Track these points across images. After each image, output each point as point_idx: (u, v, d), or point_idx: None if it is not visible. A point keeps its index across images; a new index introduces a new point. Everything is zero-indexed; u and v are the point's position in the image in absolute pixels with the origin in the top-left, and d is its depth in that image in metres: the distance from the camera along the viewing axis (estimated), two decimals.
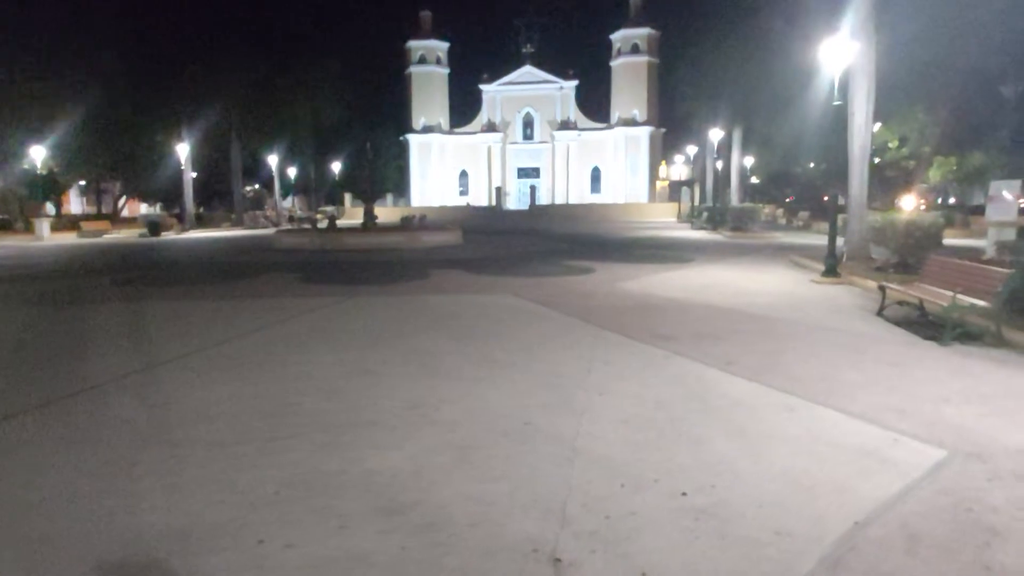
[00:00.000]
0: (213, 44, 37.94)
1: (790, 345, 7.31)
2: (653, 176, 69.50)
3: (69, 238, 31.73)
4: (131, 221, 42.20)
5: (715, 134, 36.85)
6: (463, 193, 72.63)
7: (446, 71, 72.36)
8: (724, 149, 38.78)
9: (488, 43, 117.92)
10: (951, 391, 5.50)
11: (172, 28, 37.59)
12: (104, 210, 48.44)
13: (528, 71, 70.72)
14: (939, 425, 4.66)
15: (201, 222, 41.21)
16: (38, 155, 33.22)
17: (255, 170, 51.30)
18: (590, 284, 12.63)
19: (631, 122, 68.22)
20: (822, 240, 16.98)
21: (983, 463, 4.00)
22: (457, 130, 73.14)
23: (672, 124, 61.64)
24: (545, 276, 13.96)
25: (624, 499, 3.56)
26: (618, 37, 68.44)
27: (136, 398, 5.50)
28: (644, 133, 68.20)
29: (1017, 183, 14.41)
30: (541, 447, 4.31)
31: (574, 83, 70.43)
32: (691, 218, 42.55)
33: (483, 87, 72.00)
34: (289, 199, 60.64)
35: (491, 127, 71.96)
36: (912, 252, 12.69)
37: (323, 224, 29.83)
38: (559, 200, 67.81)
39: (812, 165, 39.26)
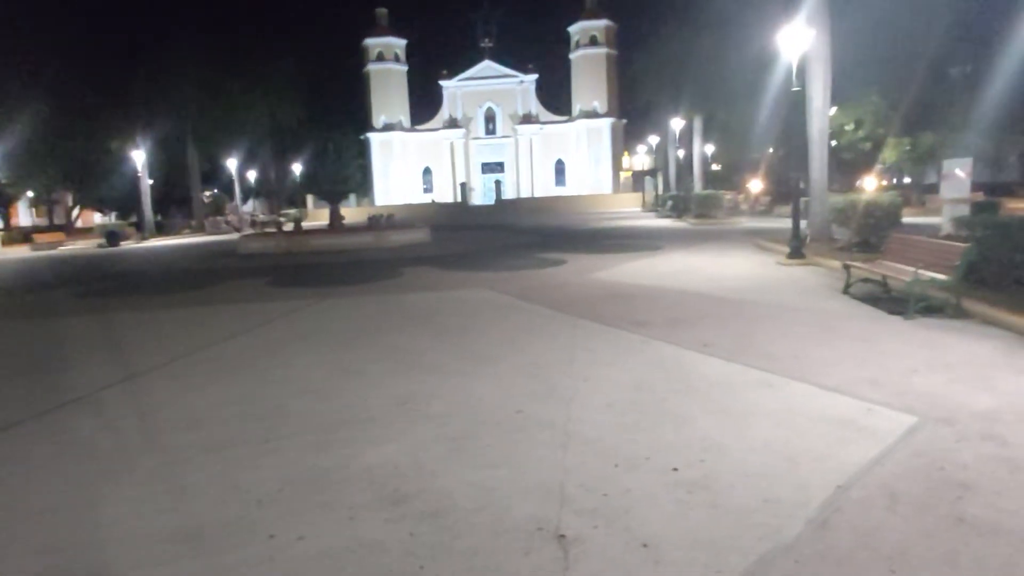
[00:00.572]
0: (164, 45, 36.97)
1: (762, 326, 7.55)
2: (616, 167, 70.13)
3: (21, 251, 30.80)
4: (86, 232, 41.03)
5: (676, 123, 37.34)
6: (427, 191, 72.22)
7: (405, 68, 71.85)
8: (686, 138, 39.28)
9: (446, 39, 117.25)
10: (918, 361, 5.77)
11: (121, 30, 36.68)
12: (56, 221, 47.02)
13: (488, 66, 70.66)
14: (909, 394, 4.91)
15: (161, 230, 40.28)
16: None
17: (213, 175, 50.27)
18: (563, 275, 12.79)
19: (592, 114, 68.71)
20: (785, 224, 17.41)
21: (951, 426, 4.25)
22: (419, 127, 72.74)
23: (633, 114, 62.16)
24: (517, 270, 14.07)
25: (619, 477, 3.70)
26: (576, 29, 68.83)
27: (123, 408, 5.46)
28: (606, 124, 68.75)
29: (968, 161, 14.98)
30: (535, 434, 4.44)
31: (534, 77, 70.61)
32: (656, 207, 43.12)
33: (443, 83, 71.71)
34: (250, 203, 59.64)
35: (453, 123, 71.70)
36: (873, 231, 13.13)
37: (288, 227, 29.45)
38: (524, 194, 68.10)
39: (771, 151, 40.03)
